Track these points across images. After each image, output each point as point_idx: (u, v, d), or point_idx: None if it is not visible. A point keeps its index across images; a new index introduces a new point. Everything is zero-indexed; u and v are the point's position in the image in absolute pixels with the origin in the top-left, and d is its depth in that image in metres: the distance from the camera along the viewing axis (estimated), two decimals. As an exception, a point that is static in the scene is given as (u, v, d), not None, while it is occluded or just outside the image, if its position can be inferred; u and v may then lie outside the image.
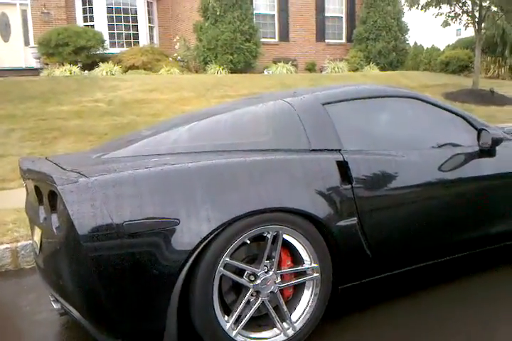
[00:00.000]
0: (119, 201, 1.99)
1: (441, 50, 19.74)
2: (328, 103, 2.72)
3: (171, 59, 16.15)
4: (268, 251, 2.24)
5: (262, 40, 15.76)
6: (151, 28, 18.76)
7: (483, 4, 11.56)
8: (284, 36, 16.94)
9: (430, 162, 2.80)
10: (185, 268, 2.04)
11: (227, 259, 2.12)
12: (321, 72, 15.73)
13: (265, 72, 15.08)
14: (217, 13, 14.72)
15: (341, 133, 2.64)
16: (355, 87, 3.02)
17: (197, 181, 2.13)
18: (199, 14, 15.38)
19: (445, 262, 2.87)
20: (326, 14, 17.45)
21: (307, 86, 12.22)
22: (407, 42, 17.06)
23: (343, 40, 17.73)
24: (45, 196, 2.19)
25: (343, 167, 2.47)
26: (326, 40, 17.48)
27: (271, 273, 2.25)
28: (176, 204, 2.06)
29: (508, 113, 11.18)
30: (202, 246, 2.06)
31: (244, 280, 2.20)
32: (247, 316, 2.20)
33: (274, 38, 16.88)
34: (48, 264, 2.34)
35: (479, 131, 2.95)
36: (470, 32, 19.64)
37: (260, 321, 2.28)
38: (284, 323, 2.28)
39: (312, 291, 2.35)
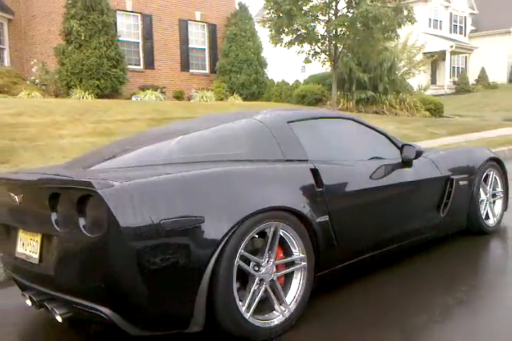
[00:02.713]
0: (153, 202, 2.16)
1: (290, 84, 21.49)
2: (292, 121, 3.08)
3: (28, 82, 15.35)
4: (269, 244, 2.51)
5: (128, 67, 15.72)
6: (1, 50, 17.68)
7: (338, 45, 12.99)
8: (149, 64, 17.07)
9: (369, 171, 3.28)
10: (212, 260, 2.27)
11: (243, 251, 2.37)
12: (189, 100, 16.12)
13: (133, 99, 15.02)
14: (82, 38, 14.41)
15: (304, 146, 3.01)
16: (307, 110, 3.44)
17: (212, 185, 2.36)
18: (61, 38, 14.92)
19: (386, 252, 3.37)
20: (190, 45, 17.99)
21: (182, 113, 12.50)
22: (265, 75, 18.25)
23: (207, 71, 18.38)
24: (71, 202, 2.19)
25: (315, 174, 2.83)
26: (191, 70, 17.97)
27: (271, 263, 2.54)
28: (199, 204, 2.28)
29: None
30: (224, 240, 2.28)
31: (252, 270, 2.44)
32: (256, 301, 2.46)
33: (139, 65, 16.93)
34: (62, 268, 2.30)
35: (402, 146, 3.53)
36: (314, 69, 21.70)
37: (260, 306, 2.50)
38: (281, 306, 2.57)
39: (301, 278, 2.67)
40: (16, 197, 2.52)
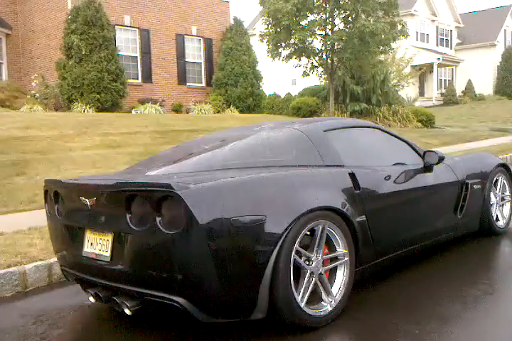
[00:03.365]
0: (224, 202, 2.43)
1: (282, 96, 21.92)
2: (327, 130, 3.38)
3: (28, 96, 15.56)
4: (318, 240, 2.78)
5: (127, 80, 16.01)
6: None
7: (334, 59, 13.42)
8: (147, 78, 17.37)
9: (397, 175, 3.57)
10: (274, 254, 2.54)
11: (297, 247, 2.64)
12: (188, 112, 16.41)
13: (133, 112, 15.28)
14: (83, 52, 14.67)
15: (340, 153, 3.30)
16: (340, 119, 3.74)
17: (272, 187, 2.65)
18: (61, 52, 15.17)
19: (413, 250, 3.66)
20: (187, 59, 18.35)
21: (185, 126, 12.77)
22: (261, 88, 18.63)
23: (203, 84, 18.73)
24: (149, 202, 2.44)
25: (353, 177, 3.12)
26: (188, 84, 18.30)
27: (319, 258, 2.80)
28: (262, 204, 2.56)
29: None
30: (284, 236, 2.55)
31: (304, 264, 2.71)
32: (308, 292, 2.72)
33: (138, 79, 17.22)
34: (137, 263, 2.54)
35: (425, 153, 3.84)
36: (305, 82, 22.16)
37: (310, 297, 2.75)
38: (328, 297, 2.84)
39: (343, 271, 2.94)
40: (87, 200, 2.75)
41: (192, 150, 3.25)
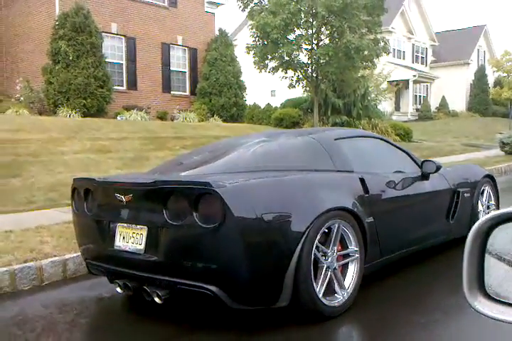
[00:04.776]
0: (255, 199, 2.69)
1: (262, 107, 22.30)
2: (337, 139, 3.67)
3: (13, 100, 15.54)
4: (334, 237, 3.04)
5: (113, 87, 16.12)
6: (-19, 67, 17.78)
7: (319, 72, 13.85)
8: (133, 85, 17.50)
9: (399, 181, 3.87)
10: (298, 248, 2.77)
11: (317, 242, 2.89)
12: (172, 120, 16.58)
13: (118, 118, 15.38)
14: (70, 58, 14.75)
15: (349, 159, 3.59)
16: (347, 129, 4.04)
17: (297, 188, 2.92)
18: (48, 57, 15.22)
19: (412, 251, 3.95)
20: (172, 68, 18.56)
21: (171, 133, 12.96)
22: (244, 99, 18.94)
23: (187, 93, 18.94)
24: (187, 199, 2.66)
25: (362, 182, 3.40)
26: (172, 92, 18.49)
27: (335, 253, 3.06)
28: (287, 203, 2.82)
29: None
30: (307, 232, 2.80)
31: (322, 259, 2.96)
32: (325, 284, 2.97)
33: (123, 86, 17.33)
34: (173, 255, 2.76)
35: (423, 162, 4.16)
36: (285, 93, 22.59)
37: (325, 289, 3.00)
38: (341, 290, 3.09)
39: (355, 267, 3.20)
40: (123, 197, 2.97)
41: (216, 153, 3.50)
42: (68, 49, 14.73)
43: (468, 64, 37.68)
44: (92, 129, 11.95)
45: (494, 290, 1.07)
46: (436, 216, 4.28)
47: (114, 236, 3.10)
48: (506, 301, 1.04)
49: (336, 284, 3.07)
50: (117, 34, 17.27)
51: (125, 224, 3.05)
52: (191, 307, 3.27)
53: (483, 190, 4.96)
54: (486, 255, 1.09)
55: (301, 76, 14.71)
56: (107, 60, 16.24)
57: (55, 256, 4.17)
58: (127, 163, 9.45)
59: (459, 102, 36.20)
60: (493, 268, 1.08)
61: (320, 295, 2.91)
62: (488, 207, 5.06)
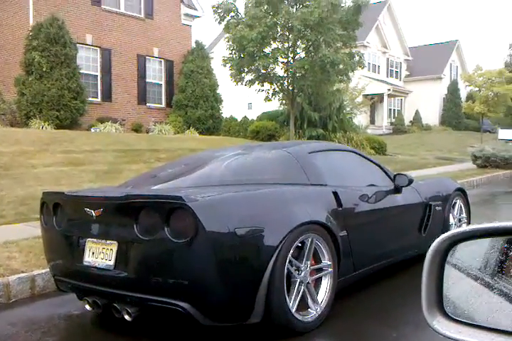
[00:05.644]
0: (228, 213, 2.66)
1: (238, 120, 22.38)
2: (311, 152, 3.67)
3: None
4: (307, 252, 3.01)
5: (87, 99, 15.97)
6: (-48, 77, 17.44)
7: (295, 85, 13.97)
8: (107, 97, 17.37)
9: (372, 195, 3.89)
10: (271, 262, 2.73)
11: (290, 257, 2.86)
12: (148, 132, 16.48)
13: (92, 130, 15.22)
14: (44, 69, 14.59)
15: (323, 173, 3.59)
16: (322, 143, 4.05)
17: (270, 202, 2.90)
18: (21, 68, 15.03)
19: (383, 265, 3.95)
20: (147, 80, 18.50)
21: (146, 145, 12.86)
22: (221, 111, 18.96)
23: (163, 105, 18.87)
24: (159, 213, 2.62)
25: (336, 196, 3.40)
26: (148, 104, 18.40)
27: (308, 268, 3.03)
28: (260, 217, 2.80)
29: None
30: (280, 246, 2.77)
31: (295, 273, 2.93)
32: (298, 299, 2.93)
33: (97, 97, 17.18)
34: (143, 271, 2.70)
35: (395, 175, 4.18)
36: (261, 106, 22.73)
37: (298, 304, 2.97)
38: (314, 304, 3.06)
39: (328, 281, 3.18)
40: (92, 211, 2.91)
41: (190, 166, 3.46)
42: (42, 60, 14.57)
43: (441, 78, 38.46)
44: (64, 141, 11.78)
45: (452, 309, 1.06)
46: (408, 229, 4.30)
47: (84, 252, 3.03)
48: (464, 321, 1.03)
49: (309, 299, 3.05)
50: (92, 45, 17.17)
51: (95, 240, 2.98)
52: (162, 324, 3.20)
53: (455, 203, 5.02)
54: (445, 274, 1.08)
55: (277, 89, 14.82)
56: (81, 71, 16.11)
57: (22, 272, 4.05)
58: (100, 176, 9.32)
59: (432, 116, 36.85)
60: (452, 288, 1.08)
61: (293, 310, 2.88)
62: (459, 220, 5.11)
